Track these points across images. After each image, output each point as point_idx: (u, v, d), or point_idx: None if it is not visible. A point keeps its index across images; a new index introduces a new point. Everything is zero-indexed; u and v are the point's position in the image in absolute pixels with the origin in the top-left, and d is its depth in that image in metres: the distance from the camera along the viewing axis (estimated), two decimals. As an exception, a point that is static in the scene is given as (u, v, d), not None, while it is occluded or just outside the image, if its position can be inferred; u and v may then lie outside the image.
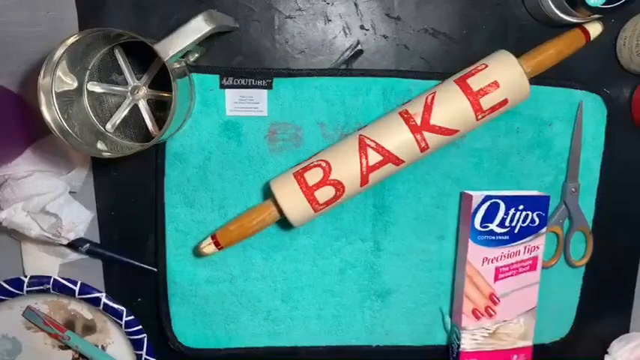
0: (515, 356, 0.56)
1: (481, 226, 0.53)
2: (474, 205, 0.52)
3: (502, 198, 0.53)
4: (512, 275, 0.54)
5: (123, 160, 0.50)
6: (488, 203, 0.53)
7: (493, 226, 0.53)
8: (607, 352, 0.59)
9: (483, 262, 0.54)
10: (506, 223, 0.53)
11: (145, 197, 0.54)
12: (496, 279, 0.54)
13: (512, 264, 0.54)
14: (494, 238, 0.53)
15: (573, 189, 0.55)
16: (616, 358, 0.58)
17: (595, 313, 0.59)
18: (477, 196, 0.52)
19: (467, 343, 0.55)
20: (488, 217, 0.53)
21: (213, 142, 0.52)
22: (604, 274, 0.58)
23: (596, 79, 0.54)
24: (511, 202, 0.53)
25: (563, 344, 0.59)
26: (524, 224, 0.53)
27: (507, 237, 0.54)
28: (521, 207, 0.53)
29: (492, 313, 0.55)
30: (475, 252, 0.53)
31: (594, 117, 0.54)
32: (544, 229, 0.54)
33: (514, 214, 0.53)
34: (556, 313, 0.58)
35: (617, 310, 0.60)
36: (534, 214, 0.53)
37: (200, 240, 0.51)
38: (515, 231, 0.53)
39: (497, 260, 0.54)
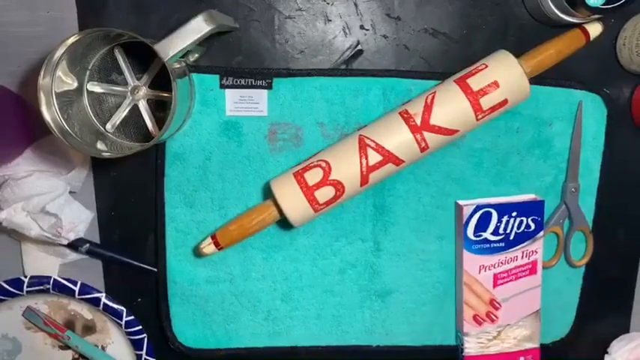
0: (521, 358, 0.56)
1: (474, 236, 0.53)
2: (465, 216, 0.52)
3: (494, 206, 0.52)
4: (511, 280, 0.54)
5: (123, 160, 0.50)
6: (479, 213, 0.52)
7: (487, 235, 0.53)
8: (607, 352, 0.58)
9: (480, 269, 0.54)
10: (500, 231, 0.53)
11: (145, 197, 0.54)
12: (495, 285, 0.54)
13: (510, 269, 0.54)
14: (488, 246, 0.53)
15: (573, 189, 0.55)
16: (616, 358, 0.57)
17: (595, 313, 0.59)
18: (468, 206, 0.52)
19: (471, 348, 0.55)
20: (481, 226, 0.53)
21: (213, 142, 0.52)
22: (604, 274, 0.58)
23: (596, 79, 0.54)
24: (503, 209, 0.52)
25: (563, 344, 0.58)
26: (519, 230, 0.53)
27: (503, 244, 0.53)
28: (514, 213, 0.53)
29: (494, 317, 0.55)
30: (471, 261, 0.53)
31: (594, 117, 0.54)
32: (541, 234, 0.54)
33: (508, 221, 0.53)
34: (556, 313, 0.58)
35: (617, 310, 0.60)
36: (529, 220, 0.53)
37: (200, 240, 0.51)
38: (511, 237, 0.53)
39: (494, 267, 0.54)
